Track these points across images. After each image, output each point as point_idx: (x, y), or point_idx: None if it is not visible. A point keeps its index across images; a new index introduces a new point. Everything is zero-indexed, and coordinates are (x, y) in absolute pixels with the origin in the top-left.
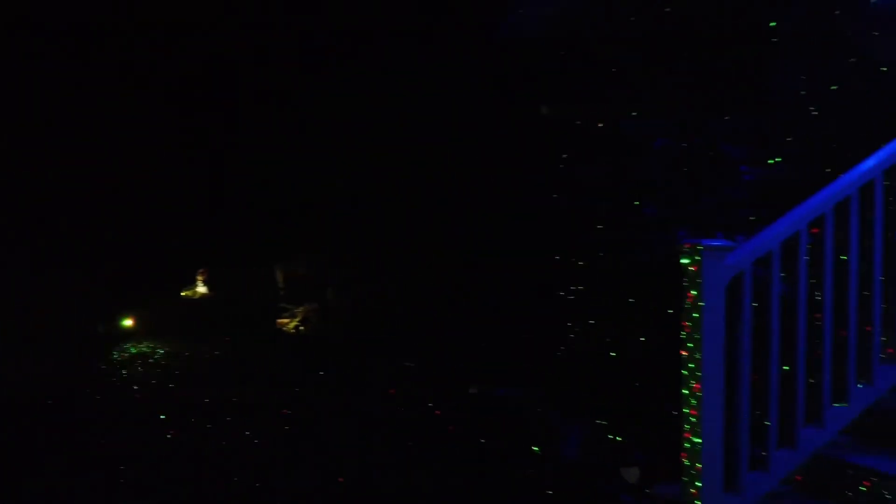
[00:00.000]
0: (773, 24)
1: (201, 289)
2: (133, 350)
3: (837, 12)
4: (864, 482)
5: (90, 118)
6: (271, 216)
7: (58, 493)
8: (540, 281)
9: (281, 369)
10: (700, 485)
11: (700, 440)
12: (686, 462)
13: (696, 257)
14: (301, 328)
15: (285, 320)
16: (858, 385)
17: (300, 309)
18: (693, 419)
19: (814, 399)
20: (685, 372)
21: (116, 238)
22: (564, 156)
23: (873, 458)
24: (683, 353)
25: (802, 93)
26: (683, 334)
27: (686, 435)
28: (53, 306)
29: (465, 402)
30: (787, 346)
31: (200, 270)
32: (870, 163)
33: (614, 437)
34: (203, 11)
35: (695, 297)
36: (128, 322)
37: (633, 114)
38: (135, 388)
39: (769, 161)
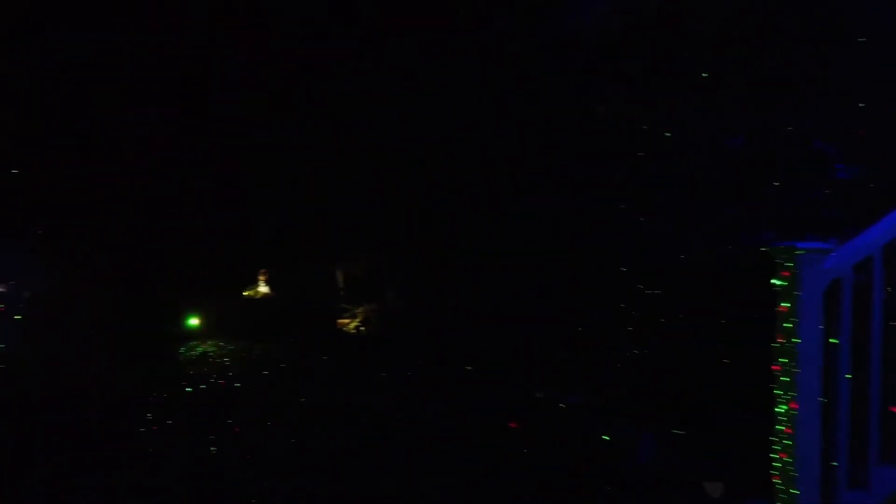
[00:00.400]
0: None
1: (263, 289)
2: (199, 349)
3: None
4: None
5: (152, 114)
6: (333, 217)
7: (128, 486)
8: (614, 285)
9: (342, 371)
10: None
11: (795, 461)
12: (779, 484)
13: (791, 262)
14: (361, 329)
15: (345, 321)
16: None
17: (360, 309)
18: (787, 439)
19: None
20: (779, 391)
21: (182, 239)
22: (640, 154)
23: None
24: (775, 367)
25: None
26: (776, 345)
27: (781, 455)
28: (124, 305)
29: (532, 409)
30: (891, 356)
31: (262, 270)
32: None
33: (694, 449)
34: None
35: (789, 305)
36: (194, 321)
37: (712, 114)
38: (202, 386)
39: (858, 162)
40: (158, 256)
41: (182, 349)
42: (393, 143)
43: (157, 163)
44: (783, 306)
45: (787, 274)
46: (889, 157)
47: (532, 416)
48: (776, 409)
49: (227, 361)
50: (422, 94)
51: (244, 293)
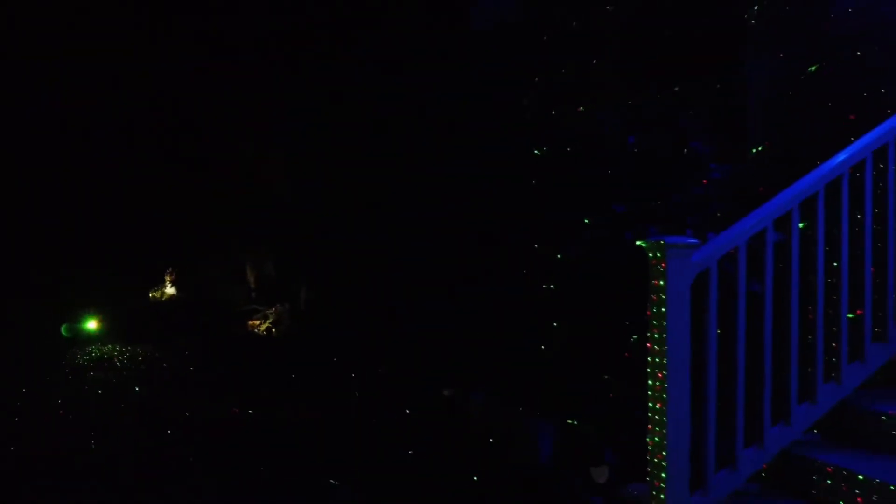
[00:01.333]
0: (751, 19)
1: (170, 290)
2: (95, 353)
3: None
4: (829, 479)
5: (58, 118)
6: (244, 217)
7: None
8: (511, 281)
9: (250, 372)
10: (665, 478)
11: (666, 437)
12: (654, 460)
13: (661, 255)
14: (273, 330)
15: (256, 322)
16: (825, 384)
17: (271, 310)
18: (658, 416)
19: (781, 398)
20: (650, 369)
21: (84, 238)
22: (536, 152)
23: (839, 455)
24: (649, 345)
25: (772, 89)
26: (649, 332)
27: (649, 427)
28: (16, 307)
29: (438, 405)
30: (755, 343)
31: (169, 270)
32: (837, 159)
33: (586, 438)
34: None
35: (660, 294)
36: (92, 324)
37: (603, 112)
38: (99, 391)
39: (738, 159)
40: (60, 257)
41: (78, 354)
42: (302, 140)
43: (62, 161)
44: (656, 291)
45: (660, 266)
46: (762, 155)
47: (440, 414)
48: (648, 382)
49: (126, 365)
50: (333, 87)
51: (150, 294)
